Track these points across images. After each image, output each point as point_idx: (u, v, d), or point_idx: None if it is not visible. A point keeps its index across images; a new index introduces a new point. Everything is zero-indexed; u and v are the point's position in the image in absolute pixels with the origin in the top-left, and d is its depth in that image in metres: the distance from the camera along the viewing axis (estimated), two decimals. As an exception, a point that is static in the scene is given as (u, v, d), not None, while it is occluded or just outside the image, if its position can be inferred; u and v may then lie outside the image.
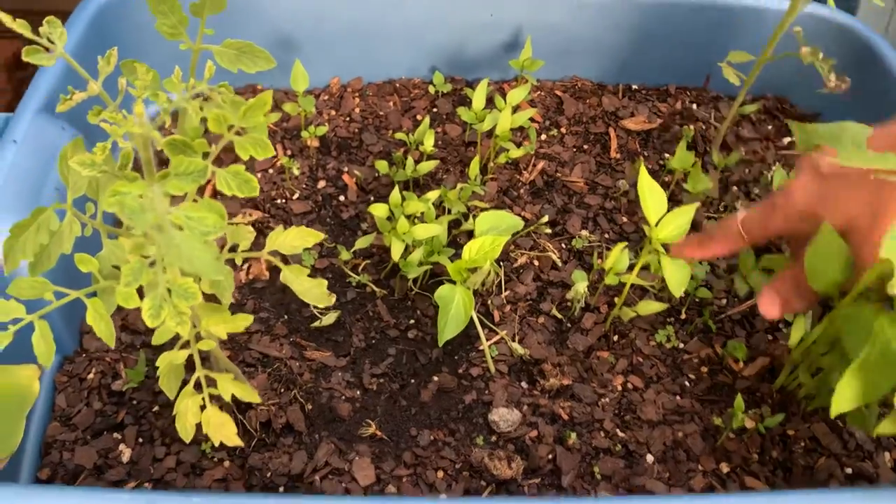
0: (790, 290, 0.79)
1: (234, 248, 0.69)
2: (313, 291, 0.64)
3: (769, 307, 0.80)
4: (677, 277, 0.80)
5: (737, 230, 0.81)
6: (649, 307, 0.90)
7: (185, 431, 0.61)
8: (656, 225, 0.82)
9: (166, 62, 0.92)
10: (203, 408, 0.62)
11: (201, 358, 0.65)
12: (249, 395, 0.63)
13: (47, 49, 0.53)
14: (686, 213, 0.82)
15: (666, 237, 0.82)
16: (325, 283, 0.65)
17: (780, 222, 0.79)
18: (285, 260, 0.92)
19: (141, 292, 0.55)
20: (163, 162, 0.77)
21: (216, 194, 1.05)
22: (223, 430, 0.62)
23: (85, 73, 0.54)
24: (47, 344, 0.56)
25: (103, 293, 0.61)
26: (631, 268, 1.01)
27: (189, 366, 0.67)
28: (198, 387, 0.62)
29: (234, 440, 0.64)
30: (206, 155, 0.56)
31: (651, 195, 0.82)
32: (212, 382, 0.65)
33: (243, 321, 0.61)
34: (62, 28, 0.53)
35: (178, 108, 0.58)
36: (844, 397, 0.64)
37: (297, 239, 0.67)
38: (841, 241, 0.72)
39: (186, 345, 0.64)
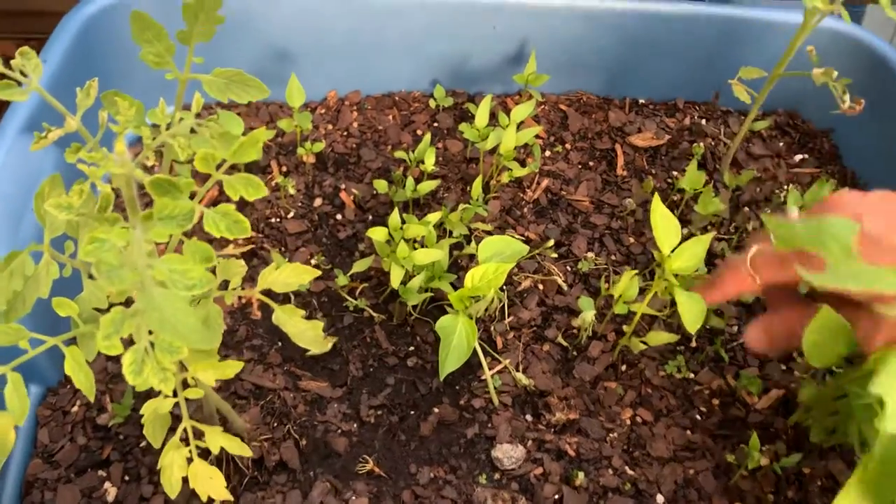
0: (780, 331, 0.76)
1: (224, 284, 0.65)
2: (308, 334, 0.60)
3: (755, 341, 0.77)
4: (693, 313, 0.76)
5: (747, 271, 0.77)
6: (659, 338, 0.86)
7: (171, 487, 0.57)
8: (670, 255, 0.79)
9: (154, 84, 0.88)
10: (190, 460, 0.58)
11: (188, 404, 0.61)
12: (240, 448, 0.59)
13: (20, 83, 0.49)
14: (701, 243, 0.79)
15: (680, 268, 0.78)
16: (321, 324, 0.61)
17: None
18: (280, 297, 0.88)
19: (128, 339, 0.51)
20: (146, 196, 0.73)
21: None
22: (212, 485, 0.58)
23: (62, 109, 0.50)
24: (20, 399, 0.52)
25: (83, 339, 0.57)
26: (641, 292, 0.97)
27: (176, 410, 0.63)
28: (185, 438, 0.58)
29: (223, 494, 0.60)
30: (193, 195, 0.52)
31: (664, 224, 0.78)
32: (199, 433, 0.61)
33: (233, 368, 0.57)
34: (37, 59, 0.49)
35: (163, 143, 0.54)
36: None
37: (291, 276, 0.63)
38: (841, 320, 0.68)
39: (174, 392, 0.60)
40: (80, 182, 0.50)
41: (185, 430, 0.58)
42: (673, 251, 0.78)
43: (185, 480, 0.62)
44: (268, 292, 0.64)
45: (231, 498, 0.66)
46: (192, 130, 0.54)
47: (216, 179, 0.51)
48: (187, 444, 0.58)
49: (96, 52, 1.02)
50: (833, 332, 0.68)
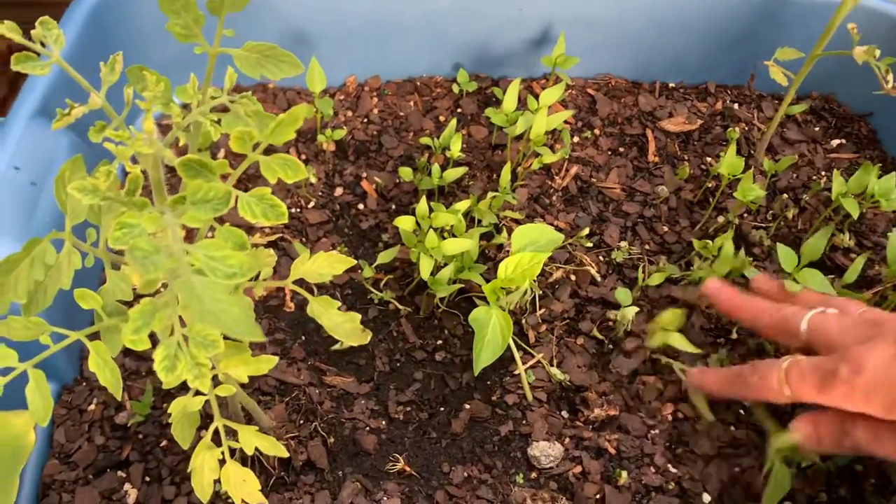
0: (830, 430, 0.69)
1: (254, 276, 0.61)
2: (345, 327, 0.56)
3: (806, 439, 0.71)
4: None
5: (779, 385, 0.69)
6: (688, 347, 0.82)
7: (203, 490, 0.53)
8: None
9: (172, 66, 0.84)
10: (223, 462, 0.55)
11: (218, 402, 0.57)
12: (275, 448, 0.55)
13: (39, 55, 0.45)
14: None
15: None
16: (358, 317, 0.57)
17: (838, 397, 0.65)
18: (311, 288, 0.84)
19: (153, 333, 0.48)
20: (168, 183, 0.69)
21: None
22: (245, 488, 0.54)
23: (86, 83, 0.46)
24: (43, 398, 0.48)
25: (107, 333, 0.53)
26: (675, 282, 0.94)
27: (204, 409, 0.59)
28: (216, 438, 0.55)
29: (257, 497, 0.56)
30: (225, 177, 0.48)
31: None
32: (231, 432, 0.57)
33: (267, 363, 0.53)
34: (58, 30, 0.45)
35: (193, 122, 0.50)
36: None
37: (325, 266, 0.59)
38: None
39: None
40: (105, 163, 0.47)
41: (216, 429, 0.55)
42: None
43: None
44: (300, 283, 0.61)
45: (266, 501, 0.62)
46: (225, 109, 0.50)
47: (252, 160, 0.47)
48: (219, 445, 0.55)
49: (108, 36, 0.98)
50: None
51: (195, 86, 0.48)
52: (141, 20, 1.00)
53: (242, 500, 0.54)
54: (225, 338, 0.59)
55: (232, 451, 0.64)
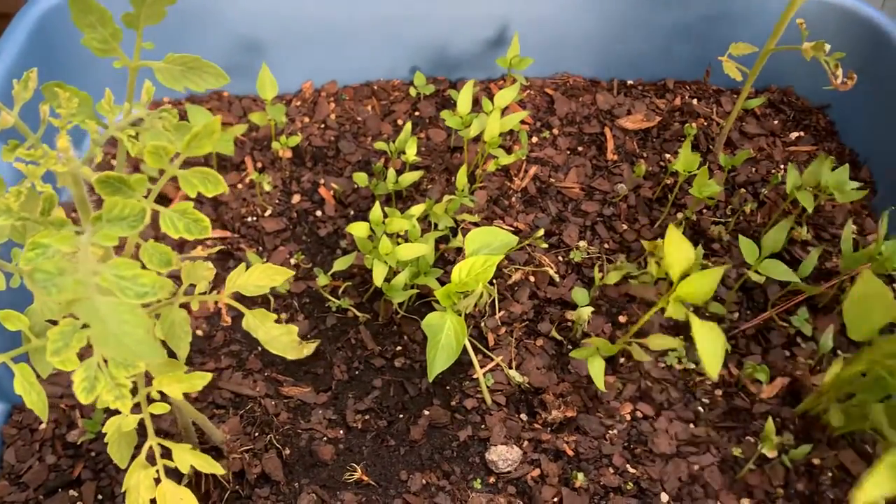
0: None
1: (190, 292, 0.60)
2: (281, 340, 0.55)
3: None
4: (713, 349, 0.69)
5: None
6: (662, 342, 0.80)
7: (138, 510, 0.53)
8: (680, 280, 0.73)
9: (120, 79, 0.83)
10: (158, 481, 0.54)
11: (161, 417, 0.56)
12: (211, 466, 0.55)
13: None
14: (713, 276, 0.71)
15: (689, 295, 0.72)
16: (296, 329, 0.57)
17: None
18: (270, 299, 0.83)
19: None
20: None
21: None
22: (182, 506, 0.54)
23: (-4, 102, 0.45)
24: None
25: (36, 353, 0.52)
26: (634, 277, 0.93)
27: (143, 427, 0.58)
28: (151, 458, 0.54)
29: (195, 516, 0.55)
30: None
31: (677, 249, 0.72)
32: (167, 452, 0.57)
33: (201, 380, 0.52)
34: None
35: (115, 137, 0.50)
36: (872, 492, 0.56)
37: (262, 278, 0.58)
38: (882, 288, 0.64)
39: (137, 408, 0.55)
40: (21, 183, 0.46)
41: (150, 448, 0.54)
42: (683, 278, 0.72)
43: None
44: (239, 296, 0.60)
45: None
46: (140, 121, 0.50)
47: (171, 174, 0.46)
48: (154, 464, 0.54)
49: (54, 48, 0.97)
50: (873, 301, 0.64)
51: (111, 101, 0.47)
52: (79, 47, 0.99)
53: None
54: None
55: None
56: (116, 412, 0.77)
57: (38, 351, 0.52)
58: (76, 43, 0.98)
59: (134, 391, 0.57)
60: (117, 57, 0.51)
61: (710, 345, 0.69)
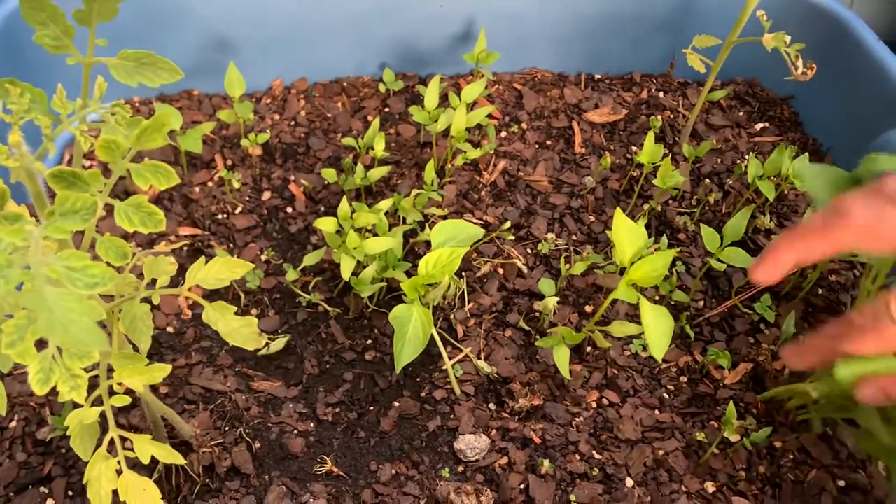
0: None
1: (151, 286, 0.61)
2: (242, 332, 0.56)
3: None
4: (659, 331, 0.71)
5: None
6: (624, 329, 0.82)
7: (100, 501, 0.53)
8: (630, 265, 0.74)
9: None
10: (119, 472, 0.55)
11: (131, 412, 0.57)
12: (171, 456, 0.55)
13: None
14: (664, 258, 0.73)
15: (640, 279, 0.73)
16: (255, 321, 0.57)
17: (831, 242, 0.63)
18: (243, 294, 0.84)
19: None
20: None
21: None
22: (145, 496, 0.54)
23: (-53, 98, 0.46)
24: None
25: (-5, 348, 0.53)
26: (600, 268, 0.95)
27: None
28: (112, 449, 0.55)
29: (158, 506, 0.56)
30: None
31: (627, 234, 0.73)
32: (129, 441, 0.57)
33: (161, 372, 0.53)
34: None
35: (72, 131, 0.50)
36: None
37: (222, 271, 0.59)
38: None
39: (99, 401, 0.56)
40: (-27, 178, 0.46)
41: (111, 439, 0.55)
42: (634, 262, 0.74)
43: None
44: (207, 293, 0.60)
45: (168, 510, 0.62)
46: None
47: (123, 168, 0.47)
48: (115, 455, 0.55)
49: (21, 46, 0.97)
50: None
51: (63, 96, 0.47)
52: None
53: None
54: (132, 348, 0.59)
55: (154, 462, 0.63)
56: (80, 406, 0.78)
57: (-3, 345, 0.53)
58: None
59: (97, 385, 0.58)
60: (71, 54, 0.51)
61: (657, 327, 0.70)
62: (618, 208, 0.76)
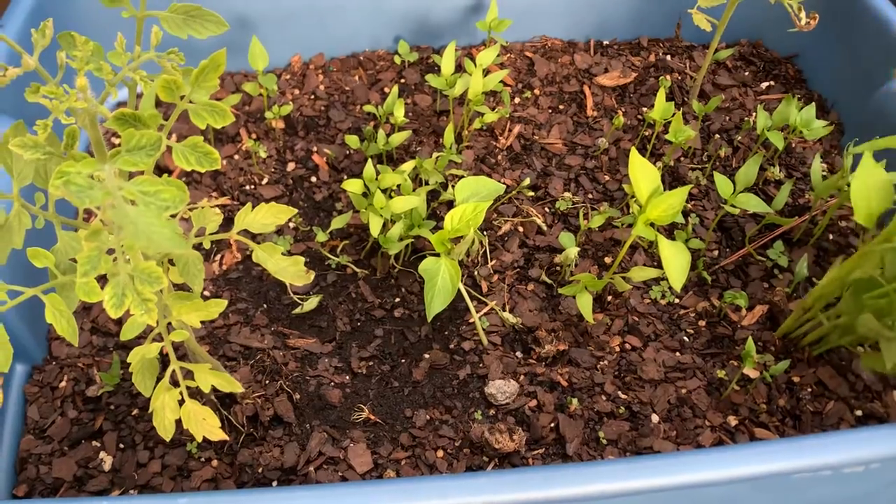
0: None
1: (201, 233, 0.64)
2: (289, 270, 0.60)
3: None
4: (677, 264, 0.75)
5: None
6: (643, 273, 0.85)
7: (164, 429, 0.57)
8: (647, 204, 0.77)
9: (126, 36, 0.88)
10: (182, 402, 0.58)
11: (176, 352, 0.60)
12: (230, 384, 0.59)
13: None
14: (678, 196, 0.77)
15: (657, 217, 0.77)
16: (302, 259, 0.61)
17: None
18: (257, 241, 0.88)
19: (104, 284, 0.51)
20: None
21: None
22: (205, 425, 0.58)
23: (18, 48, 0.50)
24: (2, 347, 0.51)
25: (62, 289, 0.56)
26: (609, 225, 0.98)
27: (164, 360, 0.62)
28: (174, 381, 0.58)
29: (218, 434, 0.60)
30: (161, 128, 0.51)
31: (642, 173, 0.77)
32: (189, 375, 0.61)
33: (216, 307, 0.57)
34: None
35: (126, 81, 0.54)
36: None
37: (267, 216, 0.62)
38: (883, 174, 0.68)
39: (159, 338, 0.59)
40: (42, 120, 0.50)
41: (173, 372, 0.58)
42: (650, 200, 0.77)
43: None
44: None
45: (226, 437, 0.65)
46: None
47: (182, 108, 0.50)
48: (177, 386, 0.58)
49: (68, 4, 1.01)
50: (878, 186, 0.68)
51: (123, 45, 0.51)
52: (86, 4, 1.03)
53: (207, 440, 0.58)
54: (177, 287, 0.62)
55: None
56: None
57: (64, 286, 0.56)
58: (76, 16, 1.03)
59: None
60: (125, 7, 0.55)
61: (675, 260, 0.74)
62: (633, 148, 0.79)
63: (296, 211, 0.65)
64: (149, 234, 0.40)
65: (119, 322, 0.88)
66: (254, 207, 1.00)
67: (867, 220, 0.70)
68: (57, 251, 0.57)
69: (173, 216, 0.62)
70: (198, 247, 0.71)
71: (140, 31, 0.55)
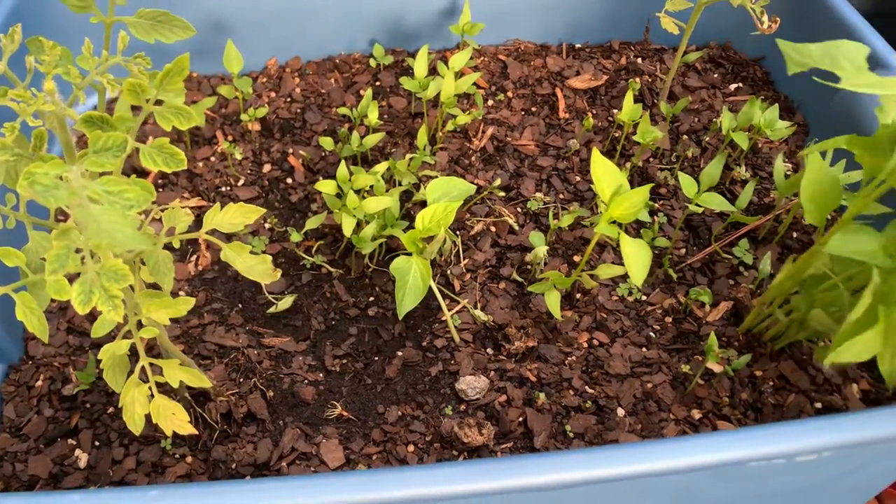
0: None
1: (171, 233, 0.66)
2: (258, 268, 0.61)
3: None
4: (638, 260, 0.77)
5: None
6: (609, 271, 0.87)
7: (134, 423, 0.58)
8: (610, 202, 0.80)
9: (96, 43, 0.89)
10: (151, 397, 0.59)
11: (150, 350, 0.61)
12: (199, 380, 0.60)
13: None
14: (640, 194, 0.79)
15: (620, 215, 0.79)
16: (269, 258, 0.63)
17: None
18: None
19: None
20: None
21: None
22: (174, 419, 0.59)
23: (-14, 52, 0.51)
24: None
25: (34, 288, 0.58)
26: (587, 226, 1.00)
27: (136, 358, 0.64)
28: (144, 377, 0.59)
29: (186, 428, 0.61)
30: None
31: (605, 173, 0.79)
32: (159, 371, 0.62)
33: (185, 304, 0.58)
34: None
35: (95, 84, 0.55)
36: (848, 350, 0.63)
37: (236, 216, 0.64)
38: (832, 174, 0.71)
39: (129, 335, 0.61)
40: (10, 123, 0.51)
41: (143, 368, 0.60)
42: (613, 199, 0.79)
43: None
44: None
45: (196, 432, 0.67)
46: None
47: (148, 111, 0.52)
48: (146, 381, 0.59)
49: (41, 13, 1.02)
50: (826, 185, 0.71)
51: (90, 50, 0.52)
52: (63, 10, 1.04)
53: (180, 436, 0.59)
54: (149, 286, 0.64)
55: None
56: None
57: (35, 285, 0.58)
58: (53, 23, 1.04)
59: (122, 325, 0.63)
60: (93, 13, 0.56)
61: (636, 256, 0.76)
62: (595, 148, 0.81)
63: (265, 211, 0.66)
64: (111, 232, 0.41)
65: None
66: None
67: (818, 220, 0.72)
68: (28, 251, 0.59)
69: (147, 217, 0.64)
70: (172, 248, 0.72)
71: (108, 35, 0.56)
